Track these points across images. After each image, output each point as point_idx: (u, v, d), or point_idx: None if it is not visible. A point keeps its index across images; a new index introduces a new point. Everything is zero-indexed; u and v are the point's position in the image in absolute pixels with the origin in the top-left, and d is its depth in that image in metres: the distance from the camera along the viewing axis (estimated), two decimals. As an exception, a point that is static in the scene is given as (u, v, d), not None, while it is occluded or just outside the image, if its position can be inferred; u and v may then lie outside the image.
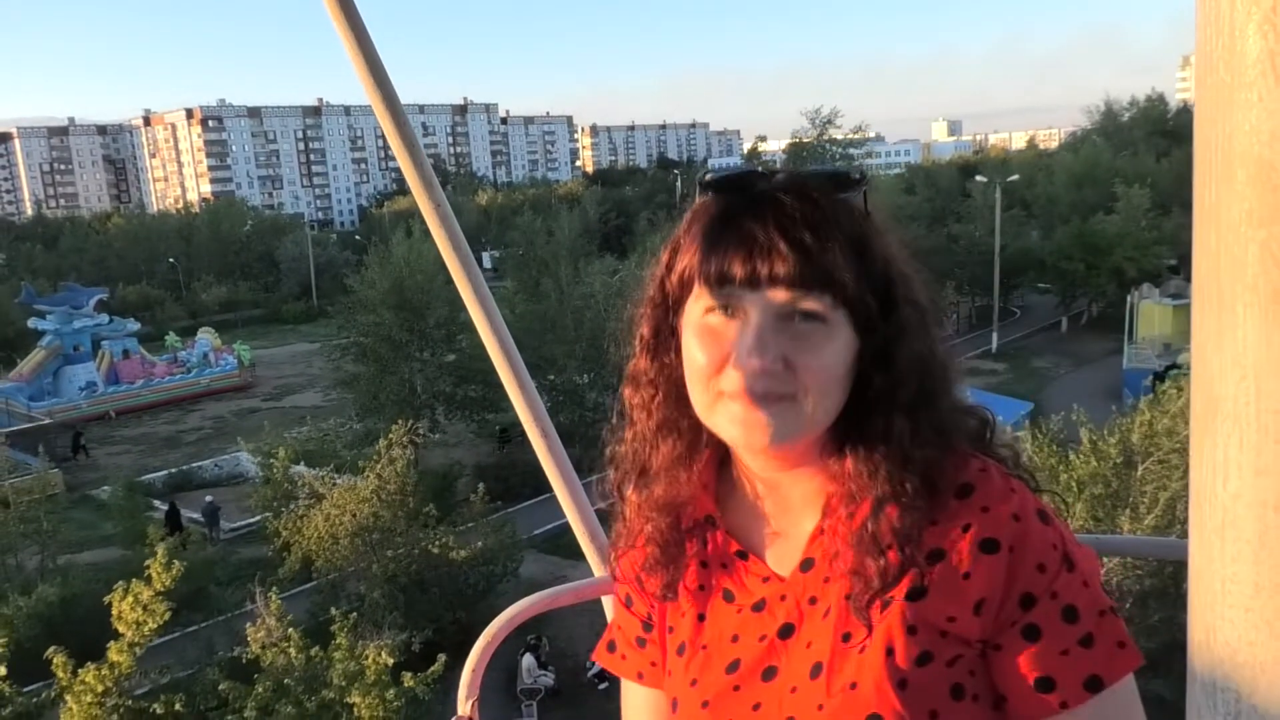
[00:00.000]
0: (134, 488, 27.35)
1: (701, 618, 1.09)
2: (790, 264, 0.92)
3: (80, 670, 9.32)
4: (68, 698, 9.19)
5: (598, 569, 1.86)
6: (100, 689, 9.18)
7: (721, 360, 0.95)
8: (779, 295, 0.93)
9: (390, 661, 9.62)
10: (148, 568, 9.51)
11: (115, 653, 9.50)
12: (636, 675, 1.20)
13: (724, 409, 0.96)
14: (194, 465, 32.16)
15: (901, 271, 0.99)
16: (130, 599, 9.44)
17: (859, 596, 0.96)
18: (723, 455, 1.09)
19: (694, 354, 0.98)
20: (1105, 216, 44.42)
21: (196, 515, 25.76)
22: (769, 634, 1.03)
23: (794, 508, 1.05)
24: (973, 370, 36.13)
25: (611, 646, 1.23)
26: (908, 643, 0.95)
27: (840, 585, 0.98)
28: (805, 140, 43.82)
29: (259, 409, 40.13)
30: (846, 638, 0.97)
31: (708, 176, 1.02)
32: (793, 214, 0.94)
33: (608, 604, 1.76)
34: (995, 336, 42.18)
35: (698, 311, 0.98)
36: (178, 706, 9.67)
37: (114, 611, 9.54)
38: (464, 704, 1.49)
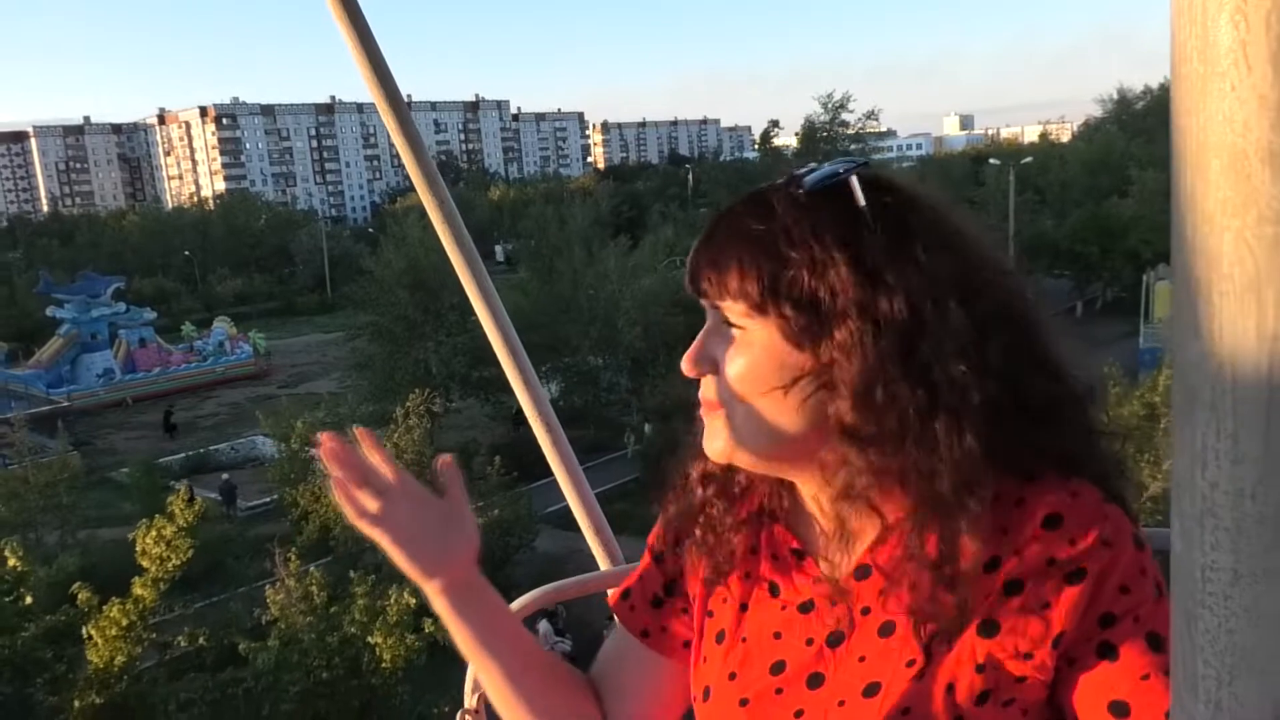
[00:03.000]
0: (151, 469, 27.61)
1: (744, 607, 1.06)
2: (707, 269, 0.95)
3: (105, 605, 9.48)
4: (93, 632, 9.34)
5: (603, 563, 1.86)
6: (124, 622, 9.31)
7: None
8: (713, 301, 0.96)
9: (412, 602, 9.72)
10: (170, 504, 9.63)
11: (139, 587, 9.62)
12: (640, 632, 1.17)
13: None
14: (211, 448, 32.39)
15: (861, 290, 0.88)
16: (154, 534, 9.56)
17: (921, 625, 0.92)
18: None
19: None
20: (1120, 200, 44.17)
21: (213, 494, 25.98)
22: (817, 639, 1.00)
23: (849, 518, 0.99)
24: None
25: (626, 594, 1.20)
26: (973, 679, 0.90)
27: (898, 601, 0.94)
28: (818, 124, 43.62)
29: (274, 395, 40.29)
30: (911, 664, 0.93)
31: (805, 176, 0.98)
32: (733, 220, 0.95)
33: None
34: (1010, 321, 41.97)
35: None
36: (201, 640, 9.80)
37: (138, 547, 9.66)
38: (470, 697, 1.47)
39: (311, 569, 11.13)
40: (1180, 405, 0.45)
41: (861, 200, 0.91)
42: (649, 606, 1.17)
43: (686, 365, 0.97)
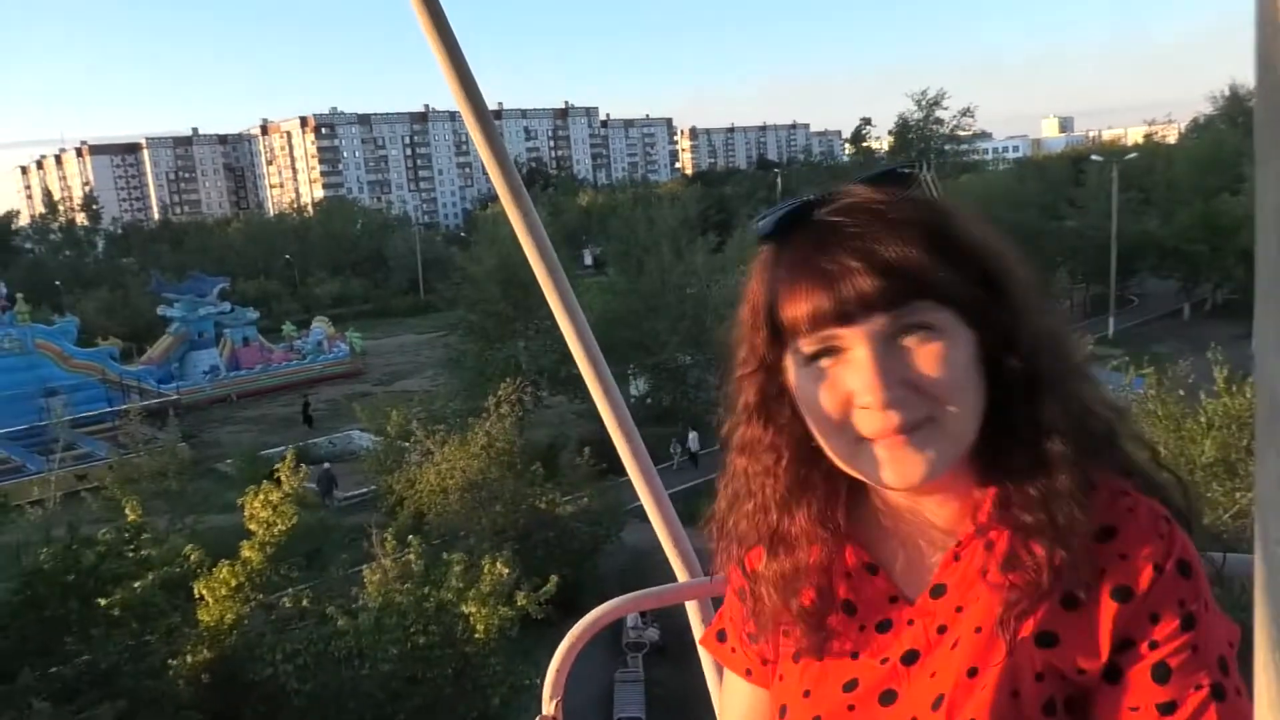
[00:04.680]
0: (255, 460, 28.65)
1: (820, 626, 1.04)
2: (874, 283, 0.87)
3: (214, 568, 9.91)
4: (204, 591, 9.77)
5: (681, 574, 1.85)
6: (233, 583, 9.71)
7: (844, 404, 0.90)
8: (876, 320, 0.88)
9: (505, 571, 9.88)
10: (277, 470, 10.01)
11: (248, 549, 10.03)
12: (745, 671, 1.16)
13: (867, 454, 0.91)
14: (310, 442, 33.40)
15: (995, 250, 0.93)
16: (262, 498, 9.94)
17: (1008, 611, 0.90)
18: None
19: (815, 407, 0.93)
20: (1231, 198, 42.27)
21: (312, 485, 26.81)
22: (892, 657, 0.99)
23: (928, 529, 1.00)
24: (1089, 356, 34.86)
25: (722, 636, 1.19)
26: (1036, 689, 0.90)
27: (972, 616, 0.94)
28: (912, 121, 42.90)
29: (370, 392, 41.38)
30: (973, 672, 0.92)
31: (759, 223, 0.97)
32: (857, 231, 0.89)
33: (691, 609, 1.81)
34: (1112, 322, 40.64)
35: (801, 362, 0.93)
36: (305, 603, 10.14)
37: (246, 512, 10.07)
38: (548, 704, 1.49)
39: (411, 538, 11.41)
40: (1265, 424, 0.42)
41: (937, 192, 0.95)
42: (745, 643, 1.14)
43: (880, 396, 0.87)
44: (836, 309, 0.88)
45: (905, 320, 0.88)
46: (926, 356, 0.88)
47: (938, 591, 0.97)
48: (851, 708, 1.00)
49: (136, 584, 9.11)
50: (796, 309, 0.91)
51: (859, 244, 0.88)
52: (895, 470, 0.90)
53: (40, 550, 9.36)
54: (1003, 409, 0.92)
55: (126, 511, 10.51)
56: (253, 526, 10.04)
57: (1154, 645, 0.87)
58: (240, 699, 9.49)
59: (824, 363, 0.91)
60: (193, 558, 10.14)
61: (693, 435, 27.21)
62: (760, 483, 1.03)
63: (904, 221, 0.89)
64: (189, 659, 9.15)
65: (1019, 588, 0.90)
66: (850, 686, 1.00)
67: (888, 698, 0.98)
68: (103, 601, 8.68)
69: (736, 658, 1.17)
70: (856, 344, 0.89)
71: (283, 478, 10.04)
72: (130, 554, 9.64)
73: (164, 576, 9.55)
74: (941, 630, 0.96)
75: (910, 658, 0.98)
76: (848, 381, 0.89)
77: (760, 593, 1.06)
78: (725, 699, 1.22)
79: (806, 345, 0.91)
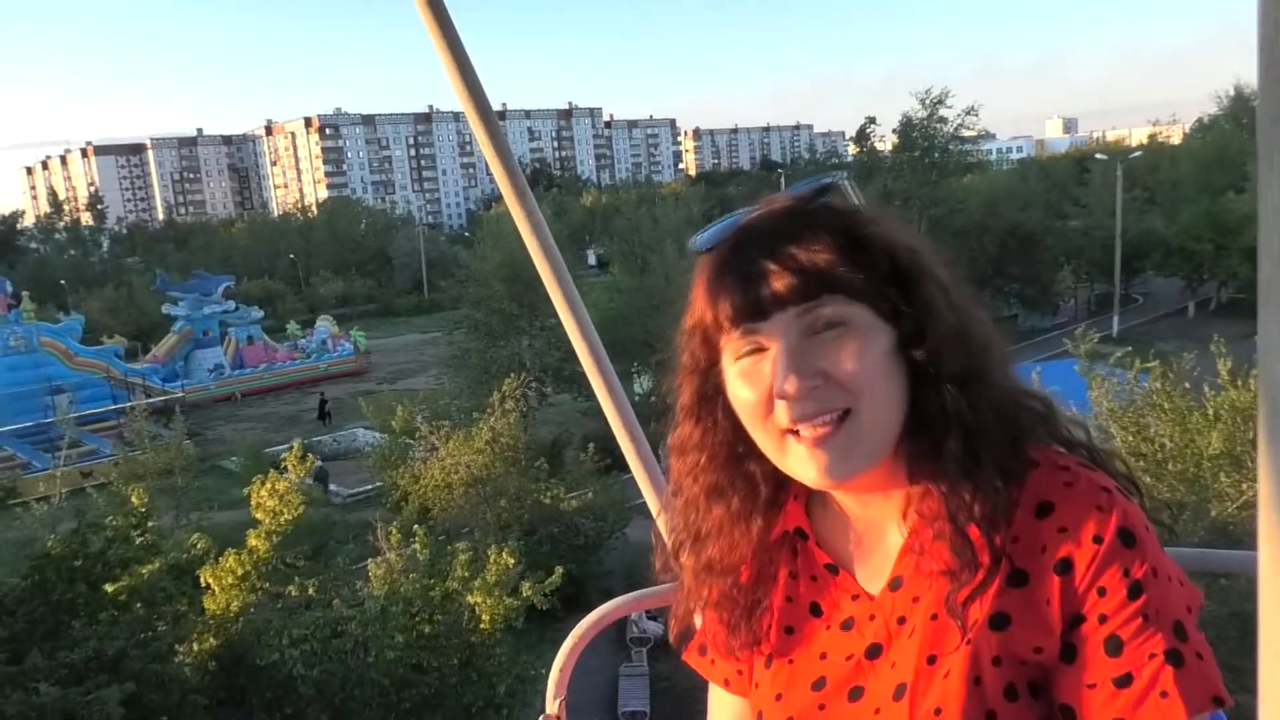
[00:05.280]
0: (260, 456, 28.70)
1: (789, 630, 1.08)
2: (785, 280, 0.92)
3: (221, 557, 9.95)
4: (210, 580, 9.82)
5: None
6: (240, 571, 9.76)
7: (768, 397, 0.94)
8: (790, 315, 0.92)
9: (511, 561, 9.92)
10: (283, 460, 10.04)
11: (254, 538, 10.08)
12: (724, 681, 1.19)
13: (792, 451, 0.94)
14: (314, 439, 33.43)
15: (910, 249, 0.96)
16: (268, 487, 9.99)
17: (954, 594, 0.92)
18: None
19: (741, 400, 0.97)
20: (1236, 196, 42.17)
21: (310, 480, 26.90)
22: (856, 653, 1.01)
23: (881, 523, 1.03)
24: (1094, 353, 34.87)
25: (703, 649, 1.21)
26: (994, 674, 0.91)
27: (927, 605, 0.96)
28: (916, 120, 42.83)
29: (374, 391, 41.41)
30: (931, 660, 0.94)
31: (697, 239, 1.02)
32: (773, 234, 0.95)
33: None
34: (1116, 320, 40.56)
35: (731, 361, 0.98)
36: (311, 591, 10.18)
37: (252, 501, 10.11)
38: (552, 703, 1.49)
39: (417, 527, 11.43)
40: (1268, 422, 0.42)
41: (858, 199, 1.00)
42: (724, 655, 1.16)
43: (793, 384, 0.91)
44: (752, 305, 0.94)
45: (818, 313, 0.92)
46: (840, 349, 0.92)
47: (895, 584, 1.00)
48: (822, 706, 1.02)
49: (144, 569, 9.16)
50: (720, 308, 0.96)
51: (772, 244, 0.94)
52: (817, 466, 0.93)
53: (48, 538, 9.44)
54: (924, 401, 0.95)
55: (133, 499, 10.57)
56: (259, 515, 10.09)
57: (1103, 619, 0.88)
58: (247, 684, 9.55)
59: (751, 361, 0.96)
60: (199, 546, 10.20)
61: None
62: (686, 482, 1.08)
63: (816, 224, 0.94)
64: (195, 646, 9.22)
65: (962, 570, 0.92)
66: (819, 685, 1.03)
67: (855, 693, 1.00)
68: (110, 588, 8.75)
69: (716, 669, 1.19)
70: (775, 337, 0.93)
71: (289, 466, 10.08)
72: (138, 539, 9.69)
73: (171, 563, 9.61)
74: (901, 621, 0.98)
75: (874, 651, 1.00)
76: (768, 374, 0.94)
77: (687, 582, 1.11)
78: (711, 709, 1.25)
79: (736, 345, 0.96)
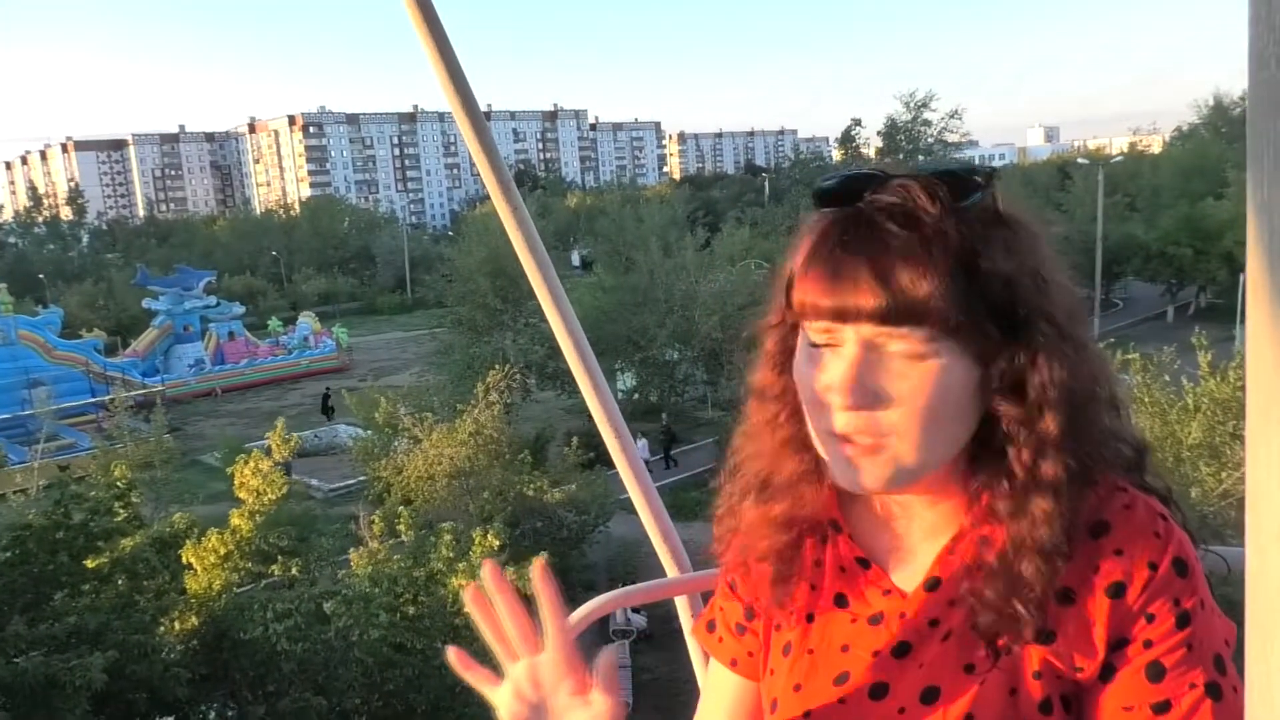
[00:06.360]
0: (239, 452, 28.52)
1: (810, 618, 1.05)
2: (877, 298, 0.85)
3: (203, 537, 9.89)
4: (192, 560, 9.75)
5: (670, 569, 1.86)
6: (223, 551, 9.70)
7: (824, 389, 0.90)
8: (866, 330, 0.87)
9: (496, 543, 9.88)
10: (268, 439, 9.97)
11: (237, 518, 10.02)
12: (730, 662, 1.16)
13: (833, 450, 0.91)
14: (295, 435, 33.27)
15: (1034, 285, 0.88)
16: (251, 466, 9.93)
17: (989, 630, 0.90)
18: None
19: (801, 376, 0.94)
20: (1215, 202, 42.63)
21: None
22: (882, 650, 0.98)
23: (923, 524, 0.99)
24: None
25: (711, 626, 1.18)
26: (1033, 686, 0.90)
27: (965, 610, 0.93)
28: (900, 123, 43.09)
29: (356, 388, 41.17)
30: (969, 669, 0.92)
31: (818, 186, 0.95)
32: (886, 240, 0.86)
33: (680, 604, 1.83)
34: (1097, 324, 40.94)
35: (806, 336, 0.93)
36: (294, 570, 10.13)
37: (236, 480, 10.05)
38: None
39: (401, 509, 11.39)
40: (1256, 415, 0.42)
41: (1003, 206, 0.91)
42: (734, 635, 1.15)
43: (847, 399, 0.87)
44: (836, 307, 0.88)
45: (893, 341, 0.86)
46: (907, 379, 0.86)
47: (932, 585, 0.97)
48: (842, 701, 1.00)
49: (126, 542, 9.10)
50: (804, 293, 0.91)
51: (878, 250, 0.86)
52: (853, 476, 0.90)
53: (29, 513, 9.39)
54: (996, 432, 0.90)
55: (114, 472, 10.51)
56: (243, 495, 10.04)
57: (1148, 644, 0.87)
58: (230, 661, 9.48)
59: (822, 348, 0.91)
60: (180, 523, 10.13)
61: (642, 443, 26.17)
62: (763, 429, 1.04)
63: (936, 240, 0.85)
64: (177, 625, 9.16)
65: (1016, 592, 0.89)
66: (841, 680, 1.00)
67: (878, 691, 0.98)
68: (91, 562, 8.69)
69: (724, 648, 1.16)
70: (847, 341, 0.88)
71: (273, 446, 10.03)
72: (121, 511, 9.62)
73: (154, 536, 9.55)
74: (934, 624, 0.96)
75: (901, 650, 0.97)
76: (831, 369, 0.89)
77: (745, 529, 1.07)
78: (708, 688, 1.21)
79: (811, 328, 0.92)
